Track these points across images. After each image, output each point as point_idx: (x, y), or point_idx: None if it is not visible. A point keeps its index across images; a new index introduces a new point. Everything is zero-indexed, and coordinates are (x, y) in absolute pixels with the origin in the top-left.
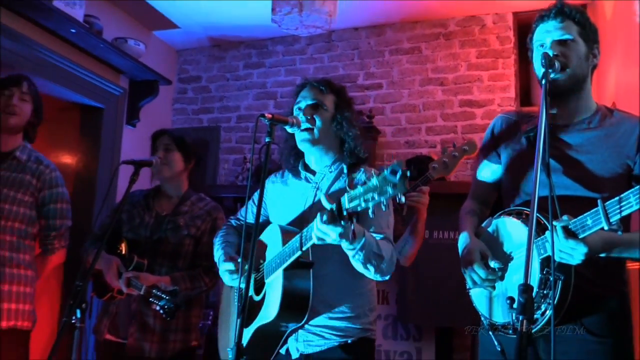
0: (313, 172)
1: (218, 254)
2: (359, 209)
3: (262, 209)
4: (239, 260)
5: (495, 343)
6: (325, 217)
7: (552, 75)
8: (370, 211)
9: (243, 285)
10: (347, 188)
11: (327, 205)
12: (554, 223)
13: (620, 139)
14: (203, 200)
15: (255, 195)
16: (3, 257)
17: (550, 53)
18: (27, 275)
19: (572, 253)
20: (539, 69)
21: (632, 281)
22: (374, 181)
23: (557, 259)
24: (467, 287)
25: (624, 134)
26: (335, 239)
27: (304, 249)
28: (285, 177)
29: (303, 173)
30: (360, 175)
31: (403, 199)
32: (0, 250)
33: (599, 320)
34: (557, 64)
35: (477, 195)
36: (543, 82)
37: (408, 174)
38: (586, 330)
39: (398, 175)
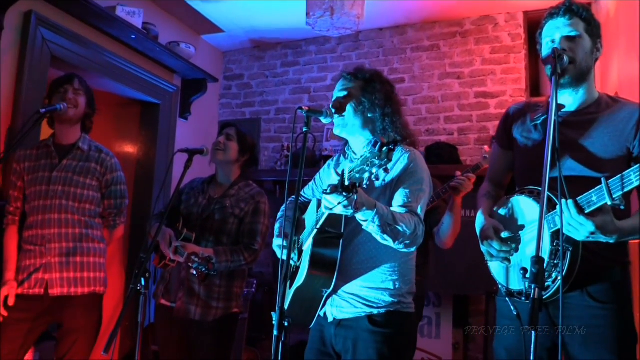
0: (355, 153)
1: (276, 226)
2: (355, 179)
3: (321, 187)
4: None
5: (512, 308)
6: (328, 189)
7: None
8: (364, 182)
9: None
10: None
11: (334, 178)
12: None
13: (620, 124)
14: (249, 186)
15: (317, 176)
16: (81, 234)
17: (559, 48)
18: (100, 248)
19: (579, 228)
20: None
21: (633, 254)
22: (365, 154)
23: (565, 231)
24: (485, 260)
25: (623, 120)
26: (338, 207)
27: (318, 226)
28: (339, 160)
29: (349, 154)
30: (396, 154)
31: (419, 187)
32: (78, 228)
33: (603, 289)
34: (565, 58)
35: (492, 178)
36: (553, 78)
37: (391, 146)
38: (591, 297)
39: (377, 147)
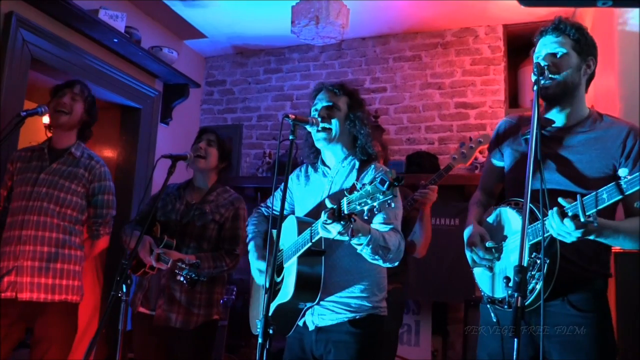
0: (329, 167)
1: (250, 245)
2: (355, 211)
3: (290, 199)
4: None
5: (492, 315)
6: (325, 217)
7: (543, 82)
8: (364, 214)
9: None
10: (346, 193)
11: (329, 205)
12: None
13: (607, 142)
14: (227, 192)
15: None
16: (57, 239)
17: (542, 63)
18: (76, 255)
19: (571, 232)
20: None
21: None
22: (368, 188)
23: (556, 236)
24: (471, 267)
25: (611, 138)
26: (336, 235)
27: (313, 241)
28: (307, 172)
29: (321, 168)
30: (370, 173)
31: (393, 204)
32: (56, 233)
33: (584, 298)
34: (546, 73)
35: (484, 187)
36: (535, 88)
37: (396, 183)
38: (572, 306)
39: (385, 185)
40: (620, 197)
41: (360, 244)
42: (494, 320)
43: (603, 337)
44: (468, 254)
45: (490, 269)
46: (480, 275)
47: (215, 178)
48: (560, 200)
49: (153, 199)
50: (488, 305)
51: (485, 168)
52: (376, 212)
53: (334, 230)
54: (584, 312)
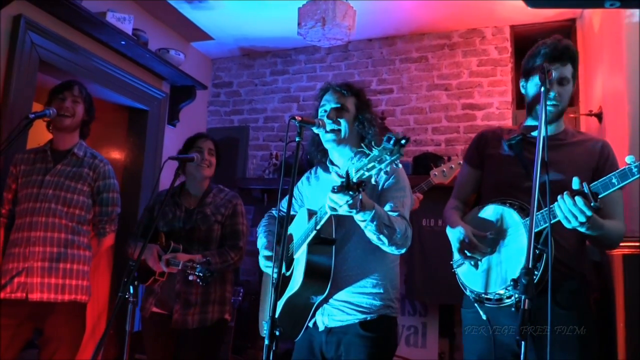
0: (338, 167)
1: (261, 242)
2: (363, 177)
3: (300, 201)
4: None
5: (481, 313)
6: (335, 188)
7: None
8: (372, 179)
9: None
10: (352, 162)
11: (337, 178)
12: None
13: (583, 154)
14: (223, 191)
15: (296, 189)
16: (66, 239)
17: (554, 94)
18: (85, 255)
19: (578, 215)
20: (533, 87)
21: (616, 266)
22: (375, 152)
23: (561, 218)
24: (454, 266)
25: (586, 150)
26: (344, 207)
27: (318, 227)
28: (317, 173)
29: (332, 168)
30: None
31: (400, 165)
32: (64, 233)
33: (564, 296)
34: (554, 74)
35: (459, 196)
36: (542, 89)
37: (403, 142)
38: (555, 303)
39: (392, 142)
40: (630, 180)
41: (364, 220)
42: (484, 318)
43: (584, 333)
44: (459, 251)
45: (476, 266)
46: (468, 274)
47: (208, 182)
48: (575, 179)
49: (149, 211)
50: (476, 305)
51: (461, 177)
52: (378, 180)
53: (341, 201)
54: (565, 309)
